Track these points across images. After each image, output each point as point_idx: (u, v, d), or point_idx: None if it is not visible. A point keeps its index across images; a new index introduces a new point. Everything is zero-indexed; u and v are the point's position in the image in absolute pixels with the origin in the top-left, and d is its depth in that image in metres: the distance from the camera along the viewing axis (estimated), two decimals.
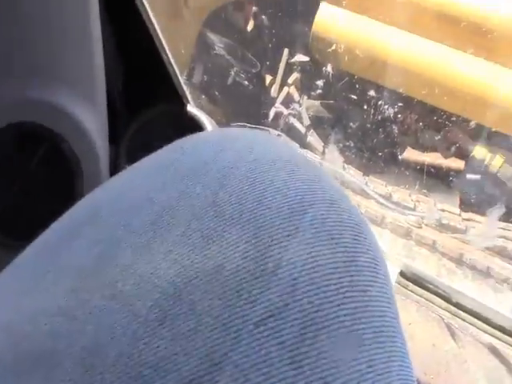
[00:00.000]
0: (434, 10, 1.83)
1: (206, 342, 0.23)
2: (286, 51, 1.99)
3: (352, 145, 1.74)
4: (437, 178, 1.75)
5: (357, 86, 1.86)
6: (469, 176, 1.73)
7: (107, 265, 0.25)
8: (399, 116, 1.79)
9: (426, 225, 1.44)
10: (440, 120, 1.79)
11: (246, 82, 1.88)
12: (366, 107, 1.80)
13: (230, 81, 1.88)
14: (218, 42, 1.92)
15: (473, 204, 1.65)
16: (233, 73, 1.89)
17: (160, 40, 0.84)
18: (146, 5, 0.79)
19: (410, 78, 1.82)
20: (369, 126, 1.79)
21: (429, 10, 1.83)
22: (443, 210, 1.55)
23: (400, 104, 1.78)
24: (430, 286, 1.28)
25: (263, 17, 2.10)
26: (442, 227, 1.48)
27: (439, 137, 1.80)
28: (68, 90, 0.56)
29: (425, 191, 1.66)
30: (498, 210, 1.52)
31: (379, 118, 1.77)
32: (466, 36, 1.80)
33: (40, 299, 0.26)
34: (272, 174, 0.28)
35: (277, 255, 0.25)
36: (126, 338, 0.23)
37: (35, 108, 0.53)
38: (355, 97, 1.85)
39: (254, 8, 2.12)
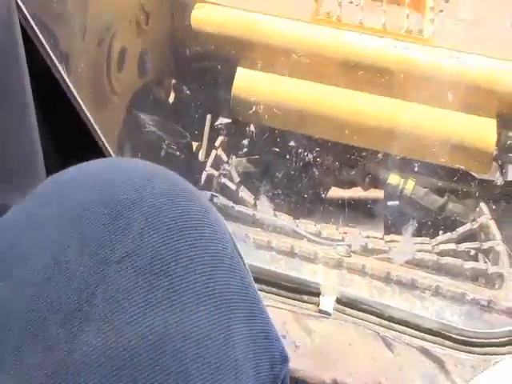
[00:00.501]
0: (338, 60, 2.04)
1: (80, 282, 0.31)
2: (208, 117, 2.17)
3: (280, 193, 1.91)
4: (360, 210, 1.93)
5: (278, 140, 2.05)
6: (389, 203, 1.92)
7: None
8: (318, 160, 1.97)
9: (354, 252, 1.60)
10: (353, 157, 1.98)
11: (178, 153, 2.04)
12: (288, 156, 1.98)
13: (162, 154, 2.03)
14: (148, 120, 2.09)
15: (395, 227, 1.83)
16: (164, 146, 2.05)
17: (94, 127, 0.90)
18: (78, 98, 0.90)
19: (323, 124, 2.02)
20: (293, 173, 1.97)
21: (333, 61, 2.04)
22: (368, 237, 1.72)
23: (317, 149, 1.97)
24: (364, 307, 1.44)
25: (183, 87, 2.28)
26: (368, 252, 1.64)
27: (354, 172, 1.99)
28: (15, 190, 0.59)
29: (351, 224, 1.83)
30: (411, 227, 1.70)
31: (301, 164, 1.95)
32: (368, 79, 2.01)
33: None
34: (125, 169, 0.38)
35: (127, 217, 0.33)
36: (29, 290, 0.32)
37: None
38: (277, 149, 2.03)
39: (174, 81, 2.30)
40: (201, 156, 2.18)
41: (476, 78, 1.88)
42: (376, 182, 2.00)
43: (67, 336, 0.30)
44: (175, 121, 2.18)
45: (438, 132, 1.89)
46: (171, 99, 2.27)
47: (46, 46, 0.77)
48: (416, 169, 1.90)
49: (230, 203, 1.80)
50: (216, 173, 1.95)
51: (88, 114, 0.89)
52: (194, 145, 2.21)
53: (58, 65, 0.81)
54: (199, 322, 0.31)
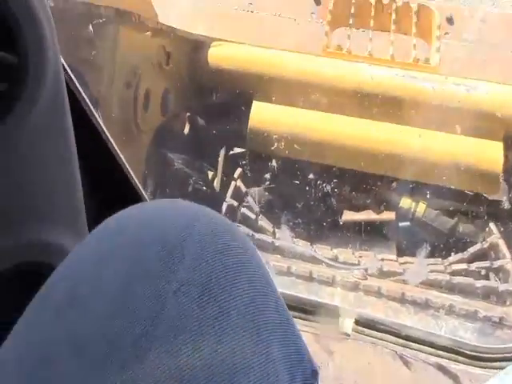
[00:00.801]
0: (349, 90, 2.13)
1: (146, 310, 0.36)
2: (222, 151, 2.27)
3: (298, 219, 2.00)
4: (373, 233, 2.01)
5: (293, 167, 2.14)
6: (401, 225, 2.00)
7: None
8: (332, 185, 2.06)
9: (370, 275, 1.68)
10: (366, 182, 2.07)
11: (205, 188, 2.16)
12: (303, 184, 2.07)
13: (190, 189, 2.15)
14: (176, 158, 2.21)
15: (408, 249, 1.91)
16: (192, 181, 2.16)
17: (127, 168, 0.89)
18: (113, 143, 0.95)
19: (336, 152, 2.10)
20: (308, 199, 2.06)
21: (344, 92, 2.13)
22: (383, 259, 1.80)
23: (332, 175, 2.06)
24: (382, 327, 1.51)
25: (201, 121, 2.39)
26: (383, 274, 1.72)
27: (368, 196, 2.08)
28: (59, 227, 0.63)
29: (365, 246, 1.92)
30: (425, 249, 1.78)
31: (316, 190, 2.05)
32: (379, 107, 2.09)
33: None
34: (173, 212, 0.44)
35: (179, 253, 0.38)
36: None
37: (37, 248, 0.58)
38: (293, 177, 2.13)
39: (192, 115, 2.41)
40: (216, 184, 2.29)
41: (482, 103, 1.96)
42: (388, 206, 2.08)
43: (137, 356, 0.35)
44: (193, 152, 2.29)
45: (447, 156, 1.97)
46: (188, 131, 2.37)
47: (84, 95, 0.84)
48: (427, 191, 1.98)
49: (251, 232, 1.89)
50: (236, 203, 2.04)
51: (122, 157, 0.96)
52: (208, 174, 2.32)
53: (94, 112, 0.83)
54: (244, 341, 0.37)
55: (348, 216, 2.12)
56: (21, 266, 0.56)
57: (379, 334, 1.50)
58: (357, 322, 1.52)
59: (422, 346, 1.45)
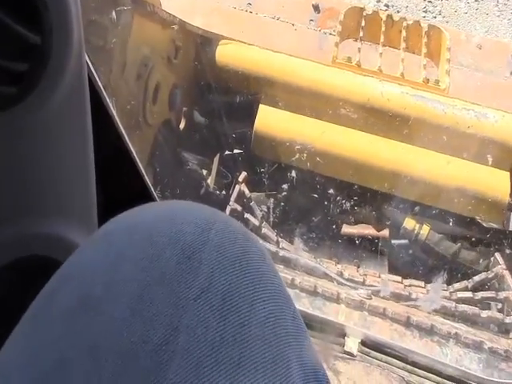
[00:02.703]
0: (356, 103, 2.10)
1: (165, 317, 0.35)
2: (222, 151, 2.23)
3: (297, 227, 1.98)
4: (370, 249, 2.01)
5: (302, 181, 2.11)
6: (399, 243, 2.00)
7: None
8: (338, 203, 2.05)
9: (375, 295, 1.67)
10: (371, 201, 2.06)
11: (218, 192, 2.11)
12: (311, 198, 2.05)
13: (202, 191, 2.10)
14: (191, 159, 2.15)
15: (407, 269, 1.91)
16: (205, 184, 2.12)
17: (138, 162, 0.90)
18: (127, 139, 0.86)
19: (340, 165, 2.08)
20: (310, 208, 2.04)
21: (351, 104, 2.11)
22: (388, 280, 1.79)
23: (340, 193, 2.05)
24: (388, 350, 1.50)
25: (202, 117, 2.34)
26: (395, 297, 1.71)
27: (372, 216, 2.07)
28: (70, 221, 0.61)
29: (356, 260, 1.91)
30: (441, 276, 1.78)
31: (318, 200, 2.03)
32: (385, 124, 2.08)
33: None
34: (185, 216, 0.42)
35: (198, 257, 0.37)
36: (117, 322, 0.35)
37: (44, 241, 0.56)
38: (296, 186, 2.11)
39: (185, 108, 2.35)
40: (210, 181, 2.25)
41: (491, 131, 1.97)
42: (392, 224, 2.08)
43: (157, 367, 0.33)
44: (194, 151, 2.24)
45: (452, 180, 1.98)
46: (191, 129, 2.32)
47: (99, 82, 0.79)
48: (432, 214, 1.98)
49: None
50: (239, 207, 2.00)
51: (133, 150, 0.90)
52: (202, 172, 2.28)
53: (109, 101, 0.83)
54: (266, 355, 0.36)
55: (346, 229, 2.11)
56: (26, 259, 0.54)
57: (386, 358, 1.49)
58: (363, 343, 1.51)
59: (429, 374, 1.45)
